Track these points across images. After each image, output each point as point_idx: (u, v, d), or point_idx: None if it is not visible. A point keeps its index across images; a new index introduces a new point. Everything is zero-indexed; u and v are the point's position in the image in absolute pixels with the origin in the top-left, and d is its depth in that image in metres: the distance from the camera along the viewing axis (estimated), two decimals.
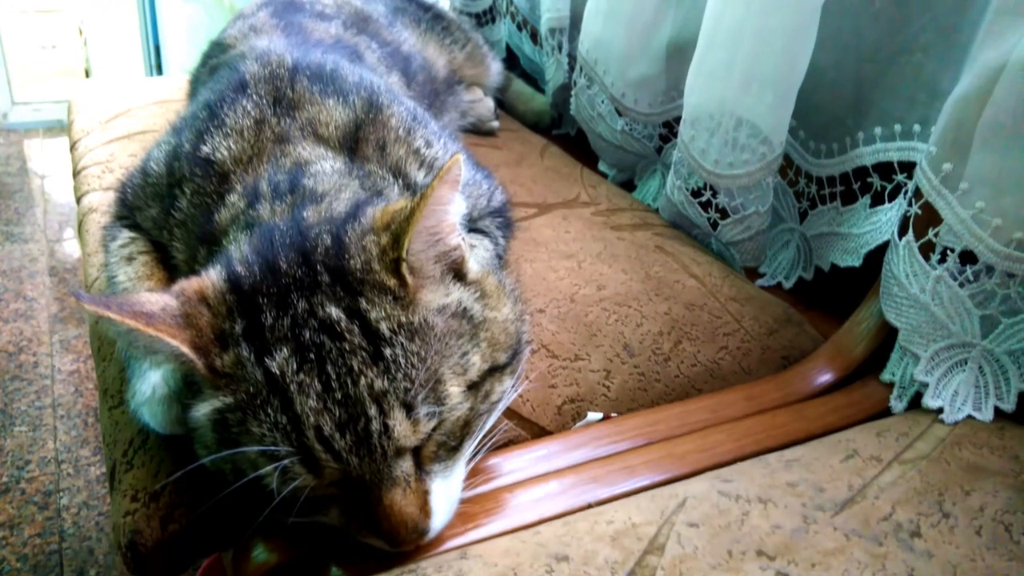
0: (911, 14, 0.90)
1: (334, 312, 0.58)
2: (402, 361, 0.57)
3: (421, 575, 0.57)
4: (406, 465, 0.58)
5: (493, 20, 1.76)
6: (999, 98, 0.73)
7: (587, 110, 1.34)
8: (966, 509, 0.64)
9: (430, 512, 0.59)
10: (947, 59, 0.87)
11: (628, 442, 0.77)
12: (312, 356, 0.56)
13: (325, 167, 0.75)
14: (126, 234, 0.86)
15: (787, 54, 0.93)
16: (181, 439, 0.64)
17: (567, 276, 0.96)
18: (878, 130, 0.94)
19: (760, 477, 0.68)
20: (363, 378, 0.55)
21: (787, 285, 1.10)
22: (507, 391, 0.66)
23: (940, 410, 0.79)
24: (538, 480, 0.70)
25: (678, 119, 1.12)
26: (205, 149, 0.77)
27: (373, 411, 0.55)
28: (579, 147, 1.44)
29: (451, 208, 0.61)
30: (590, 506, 0.67)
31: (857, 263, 0.97)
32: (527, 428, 0.78)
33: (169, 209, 0.79)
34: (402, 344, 0.57)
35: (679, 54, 1.17)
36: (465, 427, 0.61)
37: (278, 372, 0.56)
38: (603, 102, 1.30)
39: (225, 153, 0.77)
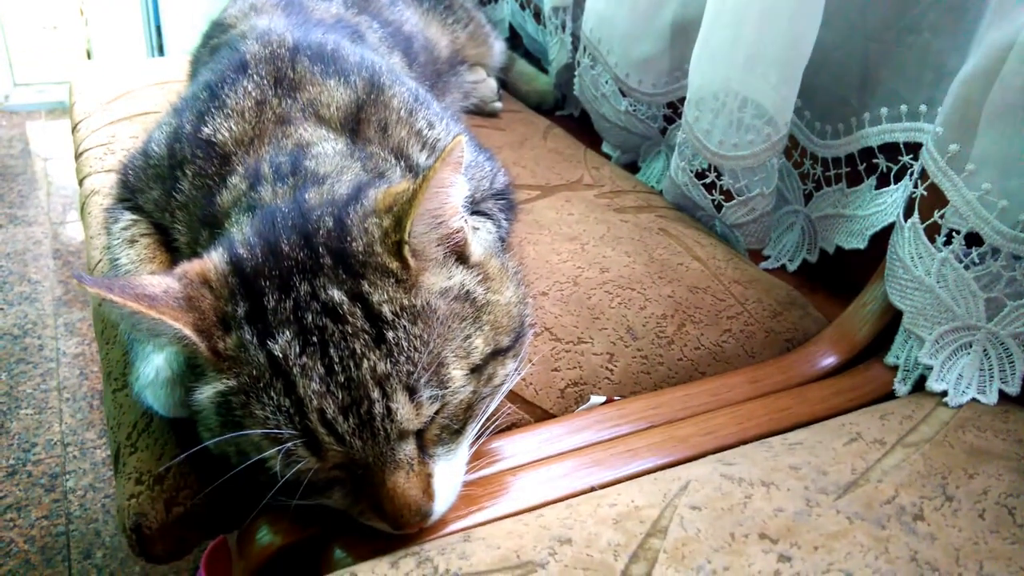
0: None
1: (336, 295, 0.57)
2: (405, 344, 0.56)
3: (424, 557, 0.57)
4: (409, 448, 0.58)
5: None
6: (1007, 78, 0.72)
7: (591, 90, 1.33)
8: (969, 492, 0.64)
9: (433, 495, 0.59)
10: (954, 38, 0.86)
11: (631, 425, 0.77)
12: (315, 339, 0.56)
13: (327, 149, 0.75)
14: (128, 216, 0.85)
15: (792, 33, 0.92)
16: (185, 422, 0.64)
17: (570, 259, 0.96)
18: (884, 110, 0.93)
19: (763, 460, 0.68)
20: (366, 361, 0.55)
21: (791, 267, 1.09)
22: (510, 374, 0.66)
23: (944, 393, 0.79)
24: (541, 463, 0.71)
25: (682, 100, 1.11)
26: (206, 130, 0.77)
27: (376, 394, 0.55)
28: (583, 128, 1.44)
29: (453, 190, 0.61)
30: (593, 489, 0.67)
31: (862, 245, 0.97)
32: (530, 411, 0.78)
33: (171, 191, 0.79)
34: (404, 327, 0.57)
35: (683, 33, 1.15)
36: (468, 410, 0.61)
37: (281, 355, 0.56)
38: (607, 82, 1.29)
39: (226, 134, 0.76)
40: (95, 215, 1.04)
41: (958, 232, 0.77)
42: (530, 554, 0.56)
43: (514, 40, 1.70)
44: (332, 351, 0.56)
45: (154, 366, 0.67)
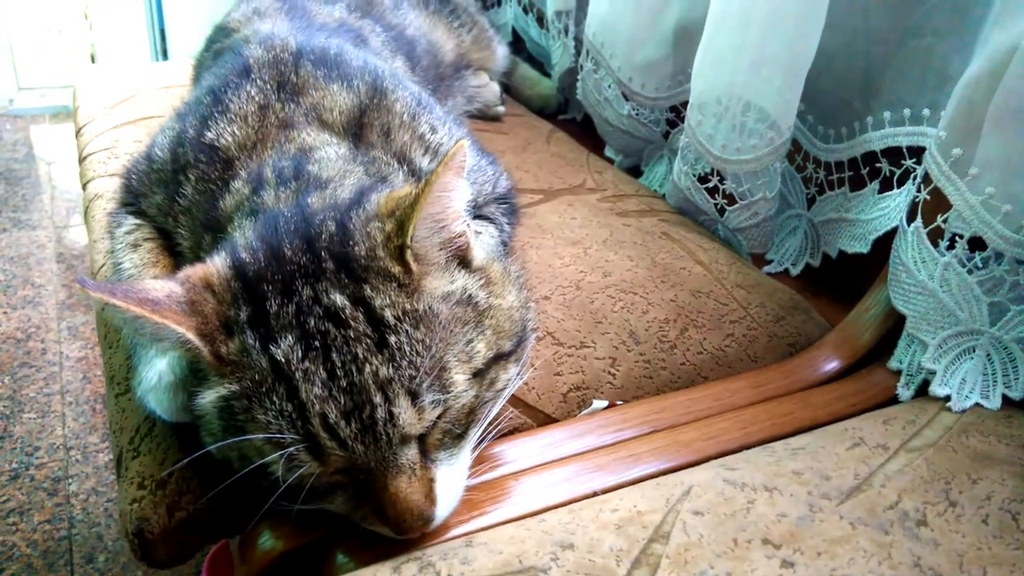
0: None
1: (339, 299, 0.57)
2: (407, 349, 0.56)
3: (427, 562, 0.57)
4: (411, 453, 0.58)
5: (499, 3, 1.75)
6: (1010, 81, 0.72)
7: (594, 94, 1.33)
8: (973, 498, 0.64)
9: (435, 499, 0.59)
10: (958, 42, 0.86)
11: (633, 430, 0.77)
12: (317, 343, 0.56)
13: (329, 153, 0.75)
14: (131, 221, 0.85)
15: (796, 37, 0.92)
16: (187, 427, 0.64)
17: (573, 263, 0.95)
18: (887, 115, 0.93)
19: (766, 465, 0.68)
20: (368, 366, 0.55)
21: (794, 272, 1.09)
22: (512, 379, 0.65)
23: (948, 398, 0.78)
24: (543, 467, 0.70)
25: (685, 104, 1.11)
26: (209, 135, 0.77)
27: (378, 399, 0.55)
28: (585, 132, 1.44)
29: (456, 195, 0.61)
30: (595, 494, 0.67)
31: (865, 250, 0.97)
32: (532, 416, 0.78)
33: (174, 195, 0.79)
34: (407, 331, 0.57)
35: (686, 37, 1.15)
36: (470, 415, 0.61)
37: (283, 360, 0.56)
38: (610, 86, 1.29)
39: (229, 139, 0.76)
40: (98, 219, 1.05)
41: (961, 236, 0.77)
42: (532, 559, 0.56)
43: (517, 44, 1.71)
44: (334, 356, 0.56)
45: (157, 370, 0.67)
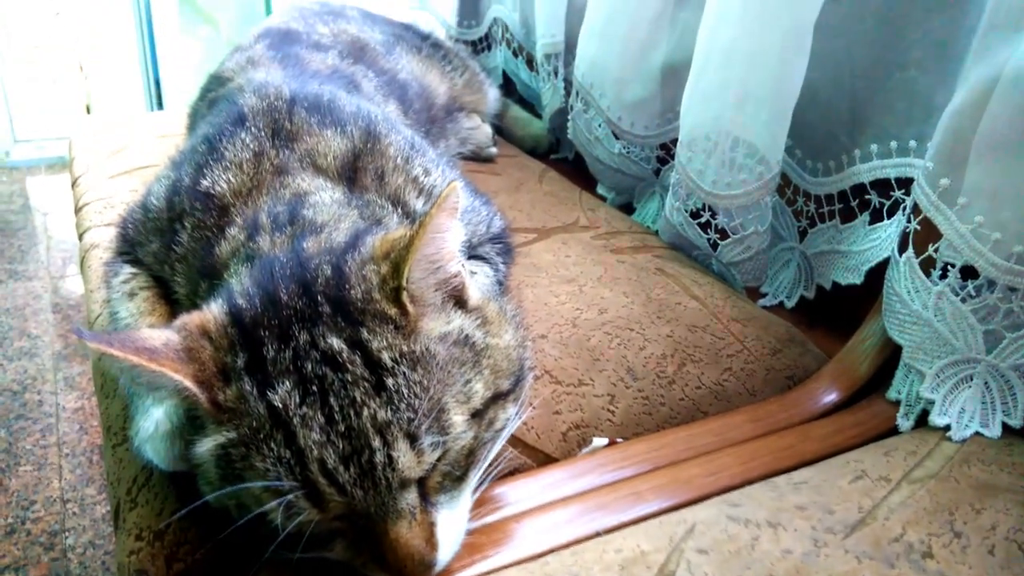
0: (903, 30, 0.91)
1: (335, 343, 0.57)
2: (405, 391, 0.56)
3: None
4: (411, 497, 0.57)
5: (489, 48, 1.78)
6: (994, 112, 0.73)
7: (584, 134, 1.35)
8: (977, 528, 0.63)
9: (436, 544, 0.58)
10: (941, 74, 0.87)
11: (634, 468, 0.76)
12: (315, 388, 0.56)
13: (324, 197, 0.76)
14: (127, 270, 0.86)
15: (781, 73, 0.94)
16: (185, 476, 0.64)
17: (568, 301, 0.96)
18: (874, 147, 0.94)
19: (769, 501, 0.67)
20: (366, 409, 0.55)
21: (789, 304, 1.09)
22: (511, 418, 0.65)
23: (947, 427, 0.78)
24: (545, 509, 0.70)
25: (675, 141, 1.12)
26: (205, 183, 0.78)
27: (377, 442, 0.55)
28: (577, 171, 1.45)
29: (450, 235, 0.61)
30: (598, 534, 0.66)
31: (858, 281, 0.97)
32: (532, 455, 0.77)
33: (170, 244, 0.79)
34: (404, 374, 0.57)
35: (674, 76, 1.17)
36: (470, 456, 0.61)
37: (280, 405, 0.56)
38: (600, 125, 1.30)
39: (225, 186, 0.77)
40: (95, 269, 1.05)
41: (953, 265, 0.77)
42: None
43: (508, 87, 1.73)
44: (332, 400, 0.56)
45: (154, 419, 0.66)
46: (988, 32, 0.76)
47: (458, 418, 0.58)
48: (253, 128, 0.81)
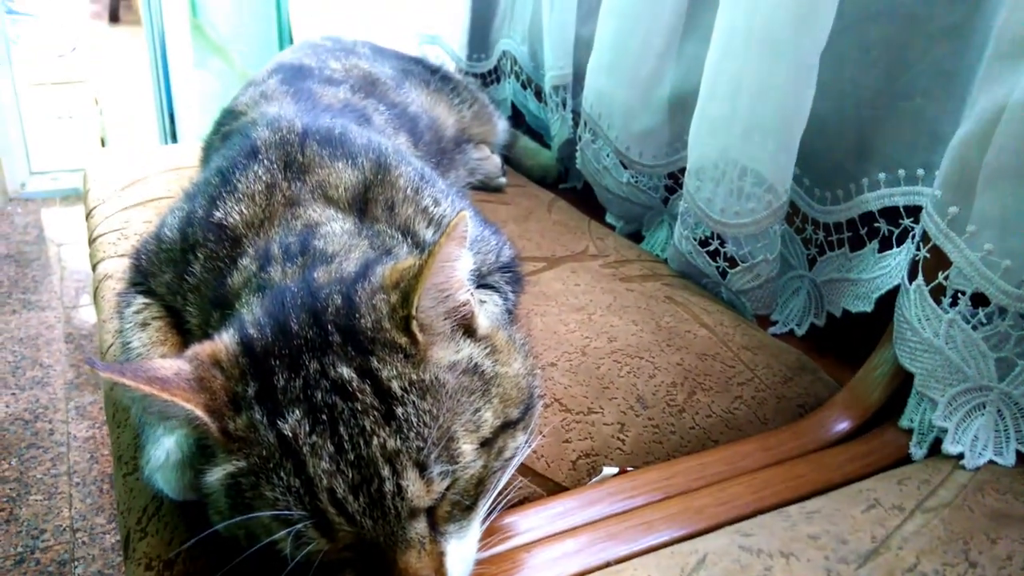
0: (909, 60, 0.92)
1: (345, 372, 0.58)
2: (414, 420, 0.56)
3: None
4: (420, 526, 0.57)
5: (498, 80, 1.80)
6: (1001, 140, 0.74)
7: (593, 164, 1.36)
8: (993, 558, 0.63)
9: (446, 574, 0.58)
10: (947, 103, 0.88)
11: (645, 497, 0.76)
12: (324, 417, 0.56)
13: (335, 228, 0.76)
14: (140, 300, 0.86)
15: (787, 103, 0.95)
16: (195, 505, 0.64)
17: (578, 329, 0.96)
18: (882, 175, 0.95)
19: (781, 530, 0.67)
20: (375, 438, 0.55)
21: (799, 332, 1.09)
22: (520, 447, 0.65)
23: (961, 456, 0.78)
24: (555, 539, 0.69)
25: (683, 170, 1.13)
26: (218, 214, 0.79)
27: (386, 471, 0.55)
28: (586, 200, 1.46)
29: (459, 264, 0.62)
30: (608, 564, 0.66)
31: (869, 308, 0.97)
32: (542, 484, 0.77)
33: (183, 274, 0.80)
34: (414, 402, 0.57)
35: (681, 106, 1.18)
36: (479, 485, 0.61)
37: (290, 434, 0.56)
38: (608, 155, 1.31)
39: (237, 218, 0.78)
40: (108, 299, 1.06)
41: (963, 293, 0.77)
42: None
43: (517, 118, 1.75)
44: (342, 429, 0.56)
45: (164, 449, 0.67)
46: (993, 61, 0.77)
47: (467, 447, 0.58)
48: (266, 161, 0.82)
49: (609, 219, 1.42)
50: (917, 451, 0.82)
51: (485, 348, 0.64)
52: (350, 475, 0.55)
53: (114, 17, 5.77)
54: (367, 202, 0.82)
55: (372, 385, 0.57)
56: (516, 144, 1.64)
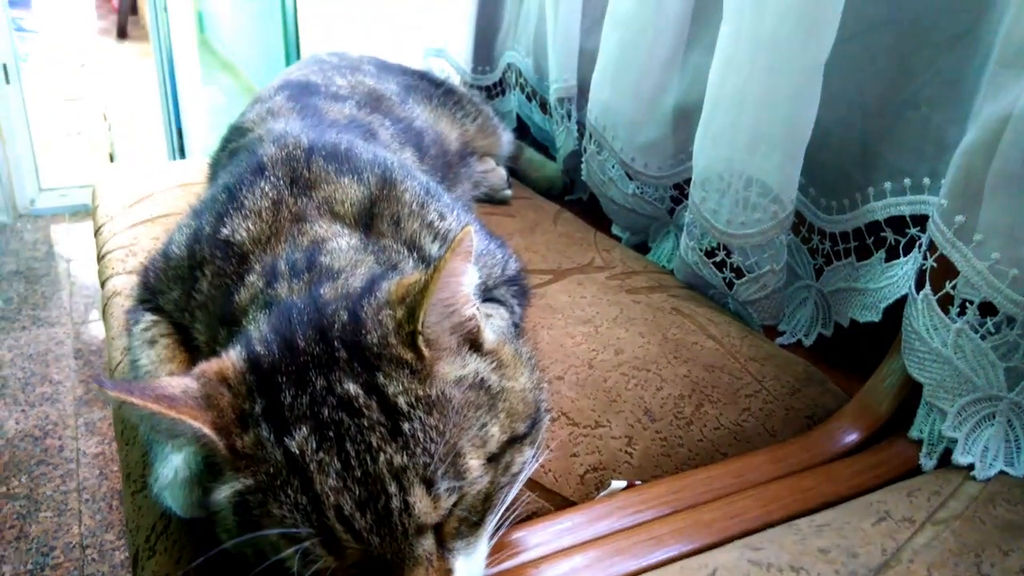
0: (913, 69, 0.91)
1: (352, 388, 0.58)
2: (421, 436, 0.56)
3: None
4: (428, 543, 0.57)
5: (503, 92, 1.80)
6: (1006, 148, 0.73)
7: (598, 175, 1.36)
8: (1005, 570, 0.62)
9: None
10: (953, 112, 0.88)
11: (653, 511, 0.75)
12: (331, 434, 0.56)
13: (341, 244, 0.77)
14: (148, 317, 0.87)
15: (792, 114, 0.95)
16: (203, 523, 0.64)
17: (584, 342, 0.96)
18: (888, 185, 0.94)
19: (791, 544, 0.66)
20: (382, 454, 0.55)
21: (807, 343, 1.09)
22: (528, 461, 0.65)
23: (971, 466, 0.77)
24: (563, 554, 0.69)
25: (688, 181, 1.13)
26: (225, 231, 0.79)
27: (393, 488, 0.55)
28: (592, 212, 1.46)
29: (465, 279, 0.62)
30: None
31: (876, 318, 0.96)
32: (550, 499, 0.77)
33: (190, 291, 0.80)
34: (420, 418, 0.57)
35: (685, 118, 1.19)
36: (486, 500, 0.61)
37: (297, 451, 0.56)
38: (613, 167, 1.32)
39: (244, 234, 0.78)
40: (116, 316, 1.06)
41: (971, 302, 0.77)
42: None
43: (522, 130, 1.75)
44: (348, 445, 0.56)
45: (173, 466, 0.67)
46: (999, 69, 0.77)
47: (474, 462, 0.58)
48: (272, 177, 0.82)
49: (615, 230, 1.42)
50: (927, 462, 0.82)
51: (491, 362, 0.64)
52: (357, 492, 0.55)
53: (122, 33, 5.83)
54: (373, 217, 0.82)
55: (378, 401, 0.57)
56: (521, 156, 1.64)
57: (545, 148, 1.70)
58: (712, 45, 1.02)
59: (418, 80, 1.45)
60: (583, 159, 1.40)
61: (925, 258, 0.82)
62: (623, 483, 0.79)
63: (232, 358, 0.62)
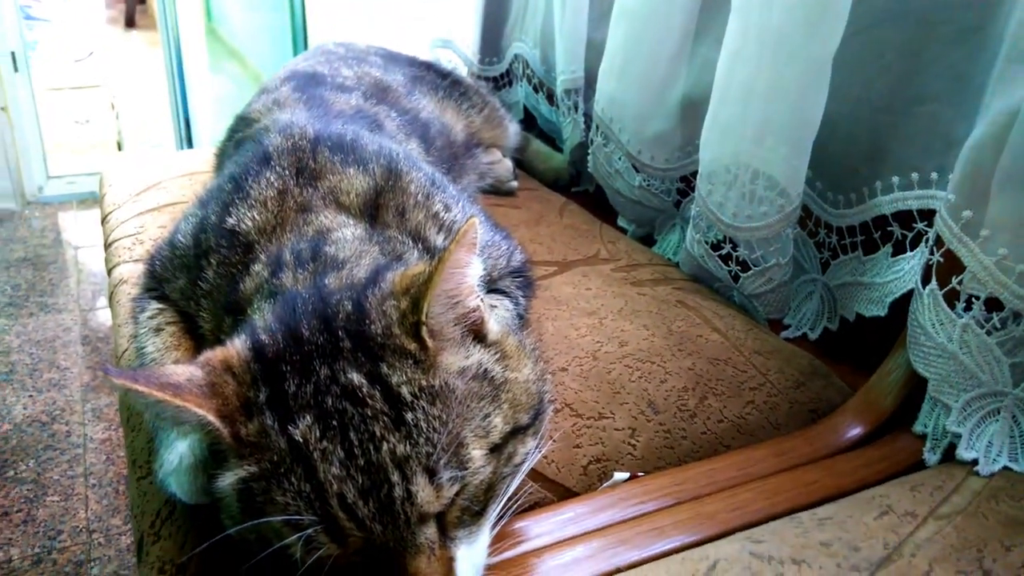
0: (922, 64, 0.91)
1: (356, 378, 0.58)
2: (424, 425, 0.57)
3: None
4: (430, 532, 0.57)
5: (510, 83, 1.80)
6: (1015, 144, 0.73)
7: (604, 167, 1.36)
8: (1007, 566, 0.62)
9: None
10: (961, 107, 0.87)
11: (656, 502, 0.76)
12: (335, 423, 0.57)
13: (346, 234, 0.77)
14: (154, 305, 0.87)
15: (799, 107, 0.94)
16: (208, 509, 0.64)
17: (589, 333, 0.96)
18: (895, 179, 0.94)
19: (792, 537, 0.67)
20: (385, 444, 0.56)
21: (812, 336, 1.08)
22: (530, 452, 0.65)
23: (975, 462, 0.77)
24: (565, 544, 0.69)
25: (695, 173, 1.13)
26: (230, 220, 0.79)
27: (396, 477, 0.55)
28: (598, 204, 1.46)
29: (469, 271, 0.62)
30: (619, 570, 0.66)
31: (882, 312, 0.96)
32: (552, 489, 0.77)
33: (196, 280, 0.81)
34: (423, 408, 0.57)
35: (693, 110, 1.18)
36: (489, 491, 0.61)
37: (301, 440, 0.56)
38: (620, 159, 1.31)
39: (250, 224, 0.78)
40: (123, 304, 1.07)
41: (977, 298, 0.77)
42: None
43: (529, 121, 1.75)
44: (352, 434, 0.56)
45: (178, 453, 0.67)
46: (1008, 64, 0.77)
47: (476, 452, 0.58)
48: (278, 167, 0.82)
49: (621, 223, 1.42)
50: (931, 457, 0.82)
51: (495, 354, 0.65)
52: (360, 480, 0.55)
53: (130, 22, 5.83)
54: (378, 208, 0.82)
55: (382, 391, 0.58)
56: (528, 148, 1.64)
57: (552, 139, 1.70)
58: (720, 37, 1.02)
59: (425, 71, 1.45)
60: (590, 151, 1.40)
61: (932, 253, 0.82)
62: (626, 475, 0.80)
63: (237, 347, 0.62)
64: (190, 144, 3.14)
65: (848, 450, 0.85)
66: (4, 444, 1.83)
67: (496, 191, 1.45)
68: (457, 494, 0.58)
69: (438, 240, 0.83)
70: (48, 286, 2.58)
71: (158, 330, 0.84)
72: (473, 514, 0.60)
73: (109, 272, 1.23)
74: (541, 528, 0.71)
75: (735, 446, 0.86)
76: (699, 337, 0.98)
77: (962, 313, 0.78)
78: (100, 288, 2.57)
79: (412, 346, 0.60)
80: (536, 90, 1.69)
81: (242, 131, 1.06)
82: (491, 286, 0.89)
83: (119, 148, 3.73)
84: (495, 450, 0.60)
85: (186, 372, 0.59)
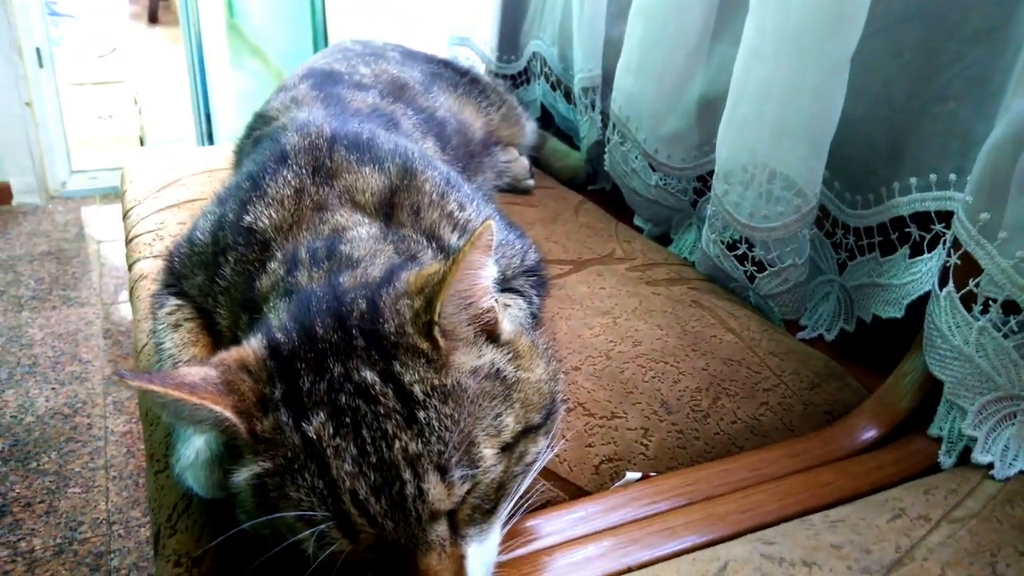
0: (941, 64, 0.90)
1: (369, 376, 0.59)
2: (436, 424, 0.57)
3: None
4: (441, 529, 0.58)
5: (528, 81, 1.80)
6: None
7: (621, 166, 1.36)
8: (1021, 571, 0.62)
9: None
10: (980, 108, 0.86)
11: (668, 502, 0.76)
12: (348, 420, 0.57)
13: (361, 233, 0.77)
14: (173, 301, 0.88)
15: (817, 107, 0.94)
16: (223, 504, 0.65)
17: (602, 333, 0.96)
18: (913, 180, 0.93)
19: (804, 539, 0.66)
20: (397, 442, 0.56)
21: (829, 337, 1.08)
22: (542, 451, 0.66)
23: (990, 465, 0.76)
24: (576, 543, 0.70)
25: (711, 172, 1.12)
26: (248, 218, 0.80)
27: (407, 475, 0.56)
28: (614, 202, 1.46)
29: (483, 272, 0.63)
30: (630, 570, 0.66)
31: (899, 314, 0.96)
32: (564, 488, 0.77)
33: (214, 277, 0.82)
34: (435, 407, 0.58)
35: (710, 109, 1.18)
36: (500, 489, 0.61)
37: (315, 436, 0.57)
38: (636, 158, 1.31)
39: (266, 222, 0.79)
40: (143, 299, 1.08)
41: (995, 300, 0.76)
42: None
43: (546, 119, 1.75)
44: (364, 432, 0.57)
45: (194, 448, 0.68)
46: None
47: (488, 451, 0.59)
48: (295, 166, 0.83)
49: (637, 221, 1.42)
50: (946, 460, 0.81)
51: (507, 353, 0.65)
52: (372, 477, 0.56)
53: (153, 18, 5.89)
54: (393, 207, 0.83)
55: (395, 389, 0.58)
56: (545, 146, 1.64)
57: (569, 138, 1.70)
58: (737, 36, 1.02)
59: (443, 68, 1.46)
60: (606, 149, 1.39)
61: (949, 255, 0.81)
62: (638, 474, 0.80)
63: (253, 345, 0.63)
64: (211, 139, 3.16)
65: (862, 452, 0.85)
66: (27, 436, 1.86)
67: (513, 189, 1.45)
68: (468, 492, 0.58)
69: (452, 239, 0.84)
70: (71, 280, 2.61)
71: (176, 326, 0.85)
72: (484, 512, 0.61)
73: (129, 267, 1.25)
74: (552, 527, 0.72)
75: (748, 447, 0.86)
76: (713, 337, 0.98)
77: (979, 316, 0.77)
78: (122, 282, 2.61)
79: (425, 345, 0.61)
80: (553, 88, 1.69)
81: (260, 128, 1.07)
82: (505, 285, 0.89)
83: (141, 143, 3.77)
84: (506, 449, 0.61)
85: (200, 372, 0.60)
